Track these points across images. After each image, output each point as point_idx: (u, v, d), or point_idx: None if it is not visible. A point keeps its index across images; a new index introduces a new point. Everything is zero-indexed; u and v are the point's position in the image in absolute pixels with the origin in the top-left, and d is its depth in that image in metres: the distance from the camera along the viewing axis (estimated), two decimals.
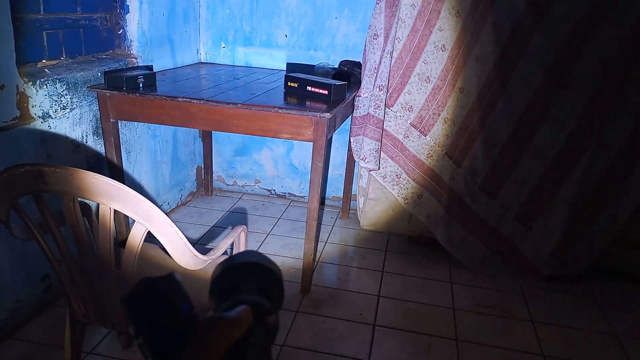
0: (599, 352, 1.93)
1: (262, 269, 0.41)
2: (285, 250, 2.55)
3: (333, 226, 2.87)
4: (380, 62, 2.30)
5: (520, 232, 2.38)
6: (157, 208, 1.12)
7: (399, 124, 2.36)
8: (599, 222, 2.30)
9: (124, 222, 2.20)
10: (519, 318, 2.10)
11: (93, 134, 2.13)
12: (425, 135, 2.35)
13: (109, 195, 1.12)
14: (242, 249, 1.63)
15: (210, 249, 1.41)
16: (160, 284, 0.36)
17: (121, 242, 2.09)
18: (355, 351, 1.85)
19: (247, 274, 0.40)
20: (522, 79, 2.16)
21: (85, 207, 1.39)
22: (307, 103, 1.99)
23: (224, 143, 3.16)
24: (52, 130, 1.89)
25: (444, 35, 2.18)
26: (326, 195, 3.14)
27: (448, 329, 2.00)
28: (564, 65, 2.12)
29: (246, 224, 2.76)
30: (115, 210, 1.13)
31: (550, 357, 1.87)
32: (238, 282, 0.39)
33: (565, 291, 2.31)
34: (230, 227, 2.75)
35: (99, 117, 2.09)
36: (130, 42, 2.39)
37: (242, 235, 1.62)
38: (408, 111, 2.34)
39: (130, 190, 1.11)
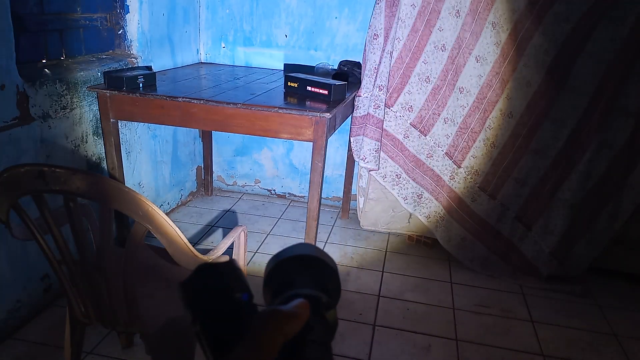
0: (599, 352, 1.93)
1: (317, 262, 0.39)
2: None
3: (333, 226, 2.87)
4: (380, 62, 2.30)
5: (520, 232, 2.38)
6: (157, 208, 1.12)
7: (399, 124, 2.36)
8: (599, 222, 2.30)
9: (123, 222, 2.20)
10: (519, 318, 2.10)
11: (93, 134, 2.13)
12: (425, 135, 2.35)
13: (109, 195, 1.11)
14: (242, 249, 1.63)
15: (210, 249, 1.41)
16: (220, 270, 0.34)
17: (121, 242, 2.09)
18: (355, 351, 1.85)
19: (303, 268, 0.38)
20: (522, 79, 2.16)
21: (85, 207, 1.39)
22: (307, 103, 1.99)
23: (224, 143, 3.16)
24: (52, 130, 1.89)
25: (444, 35, 2.18)
26: (326, 195, 3.14)
27: (448, 329, 2.00)
28: (564, 65, 2.12)
29: (246, 224, 2.76)
30: (115, 210, 1.13)
31: (550, 357, 1.87)
32: (293, 275, 0.37)
33: (565, 291, 2.31)
34: (230, 227, 2.75)
35: (99, 117, 2.08)
36: (130, 42, 2.39)
37: (242, 235, 1.62)
38: (408, 111, 2.34)
39: (130, 190, 1.11)
